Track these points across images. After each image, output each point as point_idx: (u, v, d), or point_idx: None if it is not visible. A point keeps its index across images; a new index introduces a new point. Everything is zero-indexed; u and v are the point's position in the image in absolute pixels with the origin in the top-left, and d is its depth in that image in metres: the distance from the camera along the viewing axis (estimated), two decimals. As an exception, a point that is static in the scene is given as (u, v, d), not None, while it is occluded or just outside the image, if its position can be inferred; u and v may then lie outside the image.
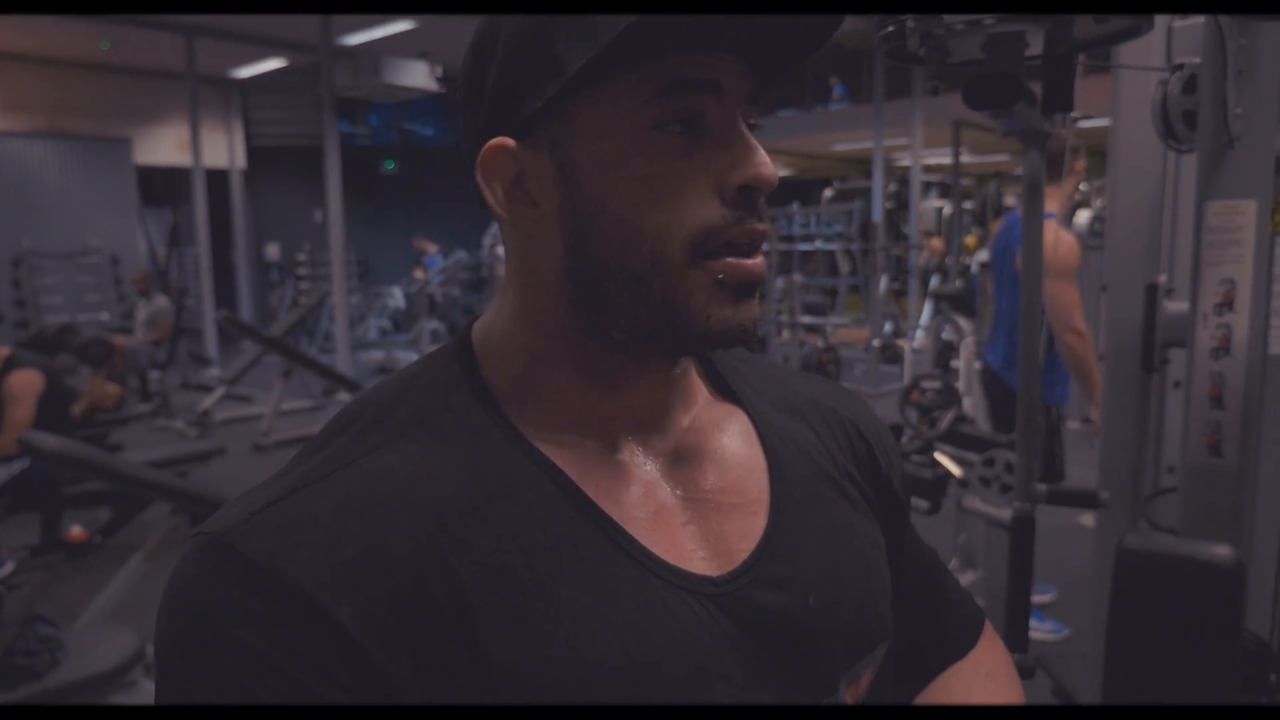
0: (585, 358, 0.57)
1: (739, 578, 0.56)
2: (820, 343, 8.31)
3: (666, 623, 0.53)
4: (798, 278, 9.07)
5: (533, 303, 0.57)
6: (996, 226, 3.46)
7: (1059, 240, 3.00)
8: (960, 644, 0.76)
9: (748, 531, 0.59)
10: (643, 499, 0.57)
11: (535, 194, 0.55)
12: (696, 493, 0.59)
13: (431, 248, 12.43)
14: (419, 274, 12.18)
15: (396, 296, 12.60)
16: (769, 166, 0.53)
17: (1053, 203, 3.05)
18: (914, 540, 0.76)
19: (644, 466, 0.59)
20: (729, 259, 0.53)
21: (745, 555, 0.58)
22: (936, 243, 12.19)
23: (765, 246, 0.57)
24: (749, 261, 0.54)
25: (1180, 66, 1.60)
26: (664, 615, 0.53)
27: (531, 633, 0.49)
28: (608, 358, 0.57)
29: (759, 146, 0.54)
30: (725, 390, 0.67)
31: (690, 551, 0.56)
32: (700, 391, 0.65)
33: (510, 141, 0.54)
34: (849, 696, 0.60)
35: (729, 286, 0.54)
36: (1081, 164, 3.14)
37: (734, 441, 0.63)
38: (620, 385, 0.58)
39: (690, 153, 0.53)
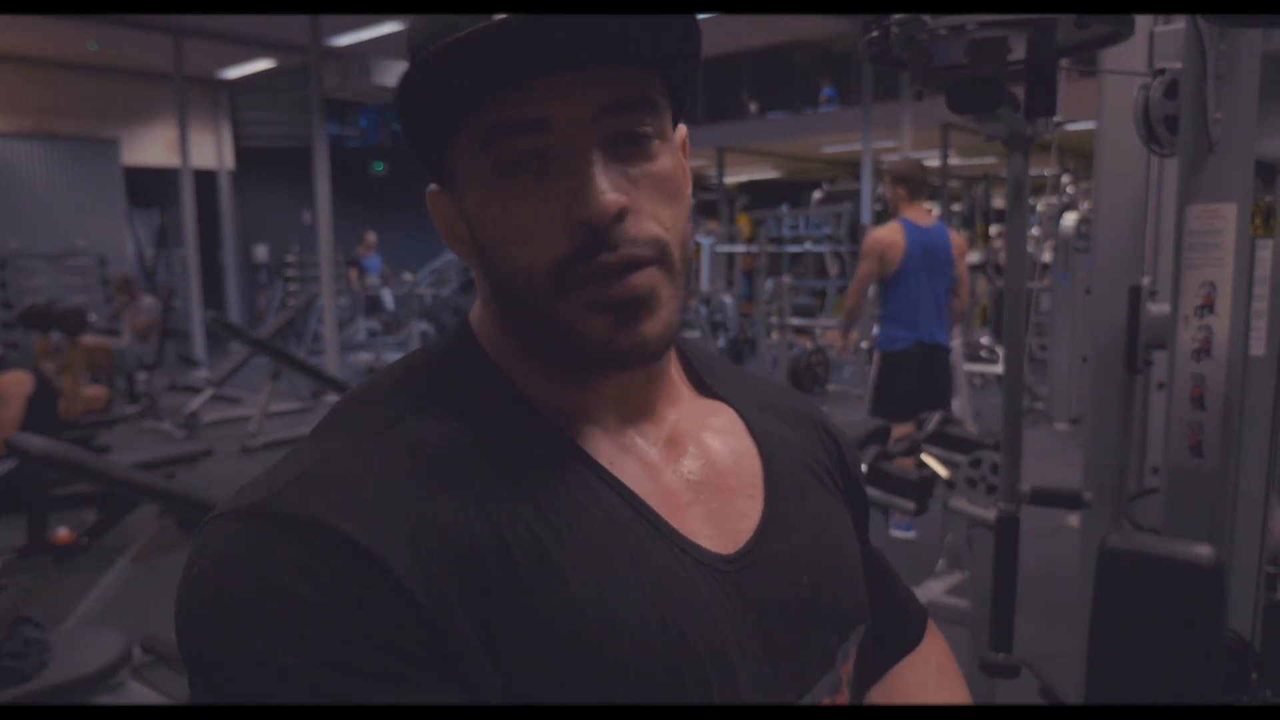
0: (544, 363, 0.59)
1: (745, 556, 0.60)
2: (809, 344, 8.33)
3: (692, 595, 0.55)
4: (787, 279, 9.08)
5: (492, 317, 0.61)
6: (898, 231, 4.11)
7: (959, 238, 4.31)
8: (912, 637, 0.81)
9: (746, 513, 0.62)
10: (651, 480, 0.60)
11: (461, 232, 0.59)
12: (696, 476, 0.62)
13: (367, 247, 12.23)
14: (354, 275, 12.05)
15: (386, 298, 12.55)
16: (600, 199, 0.52)
17: (920, 212, 4.15)
18: (867, 539, 0.80)
19: (646, 452, 0.61)
20: (591, 285, 0.54)
21: (747, 536, 0.61)
22: (925, 245, 12.21)
23: (645, 265, 0.55)
24: (613, 286, 0.54)
25: (1162, 71, 1.61)
26: (689, 588, 0.55)
27: (573, 595, 0.51)
28: (558, 366, 0.59)
29: (592, 179, 0.52)
30: (707, 390, 0.70)
31: (697, 530, 0.59)
32: (683, 389, 0.68)
33: (438, 188, 0.60)
34: (843, 672, 0.64)
35: (601, 308, 0.54)
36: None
37: (725, 431, 0.67)
38: (592, 384, 0.60)
39: (535, 191, 0.54)
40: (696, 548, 0.57)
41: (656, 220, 0.55)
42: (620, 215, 0.53)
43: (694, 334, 8.95)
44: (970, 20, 1.11)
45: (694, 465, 0.63)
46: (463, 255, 0.60)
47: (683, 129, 0.63)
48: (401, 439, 0.53)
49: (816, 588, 0.63)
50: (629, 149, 0.55)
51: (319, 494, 0.48)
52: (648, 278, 0.55)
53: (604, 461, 0.58)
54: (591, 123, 0.53)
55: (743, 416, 0.68)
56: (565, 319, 0.55)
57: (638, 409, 0.62)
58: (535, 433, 0.57)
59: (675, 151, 0.59)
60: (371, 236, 12.44)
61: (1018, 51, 1.24)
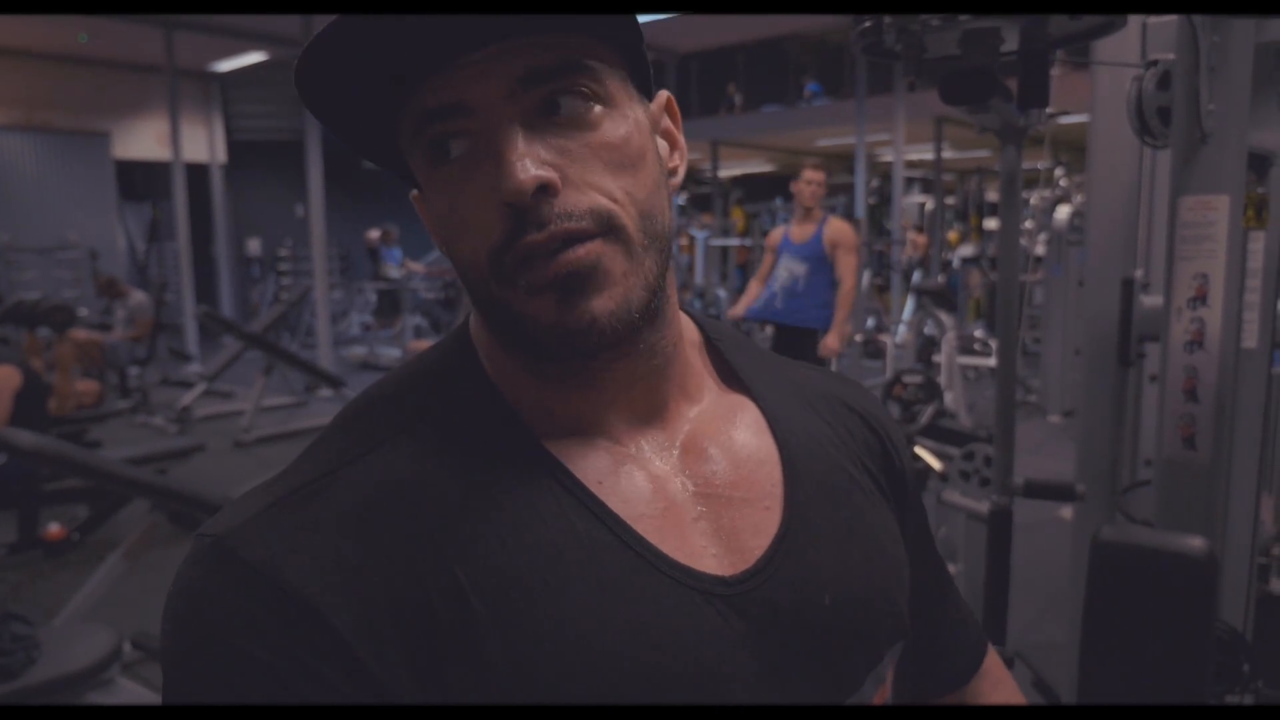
0: (535, 365, 0.56)
1: (753, 577, 0.55)
2: (803, 338, 8.32)
3: (675, 623, 0.51)
4: (781, 273, 9.08)
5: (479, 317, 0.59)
6: (808, 227, 4.68)
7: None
8: (971, 663, 0.76)
9: (761, 528, 0.58)
10: (651, 495, 0.56)
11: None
12: (707, 487, 0.58)
13: (375, 234, 12.01)
14: (397, 272, 11.90)
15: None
16: (514, 178, 0.49)
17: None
18: (926, 541, 0.73)
19: (652, 461, 0.57)
20: (524, 269, 0.51)
21: (759, 553, 0.56)
22: (919, 238, 12.25)
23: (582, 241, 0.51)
24: (549, 262, 0.51)
25: (1155, 63, 1.61)
26: (673, 615, 0.52)
27: (534, 636, 0.49)
28: (550, 364, 0.56)
29: (504, 154, 0.50)
30: (734, 380, 0.65)
31: (701, 549, 0.55)
32: (705, 382, 0.63)
33: (417, 192, 0.58)
34: (877, 698, 0.60)
35: (540, 290, 0.51)
36: (797, 183, 4.67)
37: (745, 433, 0.61)
38: (588, 384, 0.56)
39: (468, 177, 0.51)
40: (690, 571, 0.53)
41: (599, 190, 0.52)
42: (544, 190, 0.50)
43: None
44: (963, 12, 1.10)
45: (707, 474, 0.58)
46: (447, 257, 0.58)
47: (663, 93, 0.60)
48: (374, 472, 0.52)
49: (839, 608, 0.58)
50: (559, 118, 0.52)
51: (273, 535, 0.49)
52: (588, 251, 0.51)
53: (592, 481, 0.54)
54: (508, 98, 0.50)
55: (768, 414, 0.63)
56: (514, 308, 0.52)
57: (648, 409, 0.58)
58: (519, 457, 0.54)
59: (633, 116, 0.55)
60: (394, 230, 12.22)
61: (1010, 42, 1.23)
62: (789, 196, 14.12)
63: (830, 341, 4.64)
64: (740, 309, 4.72)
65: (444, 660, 0.48)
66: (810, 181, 4.57)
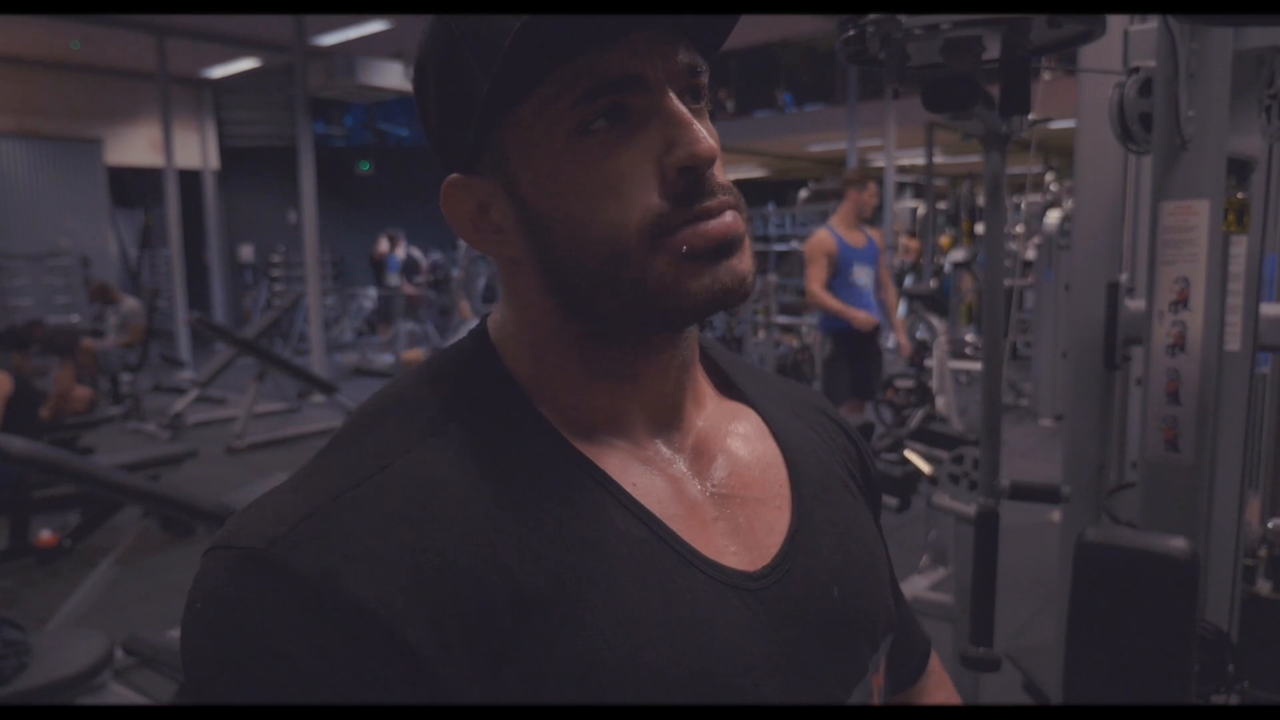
0: (589, 355, 0.57)
1: (773, 573, 0.57)
2: (796, 342, 8.35)
3: (715, 620, 0.53)
4: (773, 278, 9.10)
5: (527, 312, 0.58)
6: (862, 234, 4.77)
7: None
8: (921, 661, 0.80)
9: (774, 526, 0.60)
10: (674, 495, 0.57)
11: (497, 219, 0.56)
12: (721, 488, 0.60)
13: (384, 244, 11.94)
14: (398, 279, 11.85)
15: (371, 297, 12.45)
16: (703, 142, 0.52)
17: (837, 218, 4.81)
18: (885, 546, 0.77)
19: (671, 463, 0.59)
20: (688, 230, 0.53)
21: (774, 550, 0.59)
22: (911, 243, 12.29)
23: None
24: (711, 225, 0.53)
25: (1136, 70, 1.63)
26: (712, 612, 0.53)
27: (591, 634, 0.49)
28: (610, 351, 0.57)
29: (692, 122, 0.53)
30: (732, 389, 0.67)
31: (723, 547, 0.57)
32: (707, 390, 0.65)
33: (461, 176, 0.56)
34: (875, 685, 0.63)
35: (697, 255, 0.53)
36: (863, 193, 4.69)
37: (750, 438, 0.64)
38: (634, 375, 0.58)
39: (622, 145, 0.52)
40: (721, 568, 0.55)
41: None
42: (713, 162, 0.53)
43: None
44: (945, 19, 1.12)
45: (720, 476, 0.60)
46: (491, 246, 0.57)
47: None
48: (414, 473, 0.51)
49: (846, 600, 0.61)
50: (695, 108, 0.55)
51: (325, 544, 0.47)
52: (736, 219, 0.54)
53: (626, 482, 0.55)
54: (673, 80, 0.53)
55: (767, 420, 0.66)
56: (657, 272, 0.53)
57: (667, 414, 0.60)
58: (554, 456, 0.55)
59: None
60: (400, 236, 12.08)
61: (992, 50, 1.25)
62: (781, 201, 14.17)
63: (904, 339, 5.20)
64: (865, 317, 4.67)
65: (506, 656, 0.48)
66: (875, 194, 4.73)
